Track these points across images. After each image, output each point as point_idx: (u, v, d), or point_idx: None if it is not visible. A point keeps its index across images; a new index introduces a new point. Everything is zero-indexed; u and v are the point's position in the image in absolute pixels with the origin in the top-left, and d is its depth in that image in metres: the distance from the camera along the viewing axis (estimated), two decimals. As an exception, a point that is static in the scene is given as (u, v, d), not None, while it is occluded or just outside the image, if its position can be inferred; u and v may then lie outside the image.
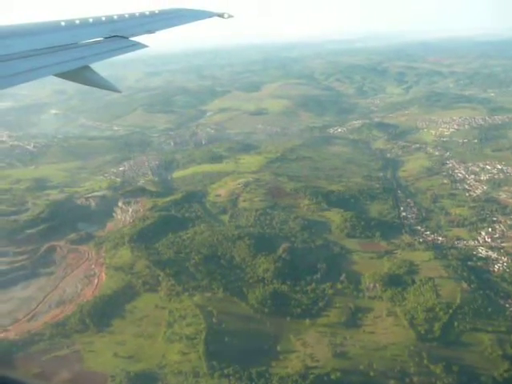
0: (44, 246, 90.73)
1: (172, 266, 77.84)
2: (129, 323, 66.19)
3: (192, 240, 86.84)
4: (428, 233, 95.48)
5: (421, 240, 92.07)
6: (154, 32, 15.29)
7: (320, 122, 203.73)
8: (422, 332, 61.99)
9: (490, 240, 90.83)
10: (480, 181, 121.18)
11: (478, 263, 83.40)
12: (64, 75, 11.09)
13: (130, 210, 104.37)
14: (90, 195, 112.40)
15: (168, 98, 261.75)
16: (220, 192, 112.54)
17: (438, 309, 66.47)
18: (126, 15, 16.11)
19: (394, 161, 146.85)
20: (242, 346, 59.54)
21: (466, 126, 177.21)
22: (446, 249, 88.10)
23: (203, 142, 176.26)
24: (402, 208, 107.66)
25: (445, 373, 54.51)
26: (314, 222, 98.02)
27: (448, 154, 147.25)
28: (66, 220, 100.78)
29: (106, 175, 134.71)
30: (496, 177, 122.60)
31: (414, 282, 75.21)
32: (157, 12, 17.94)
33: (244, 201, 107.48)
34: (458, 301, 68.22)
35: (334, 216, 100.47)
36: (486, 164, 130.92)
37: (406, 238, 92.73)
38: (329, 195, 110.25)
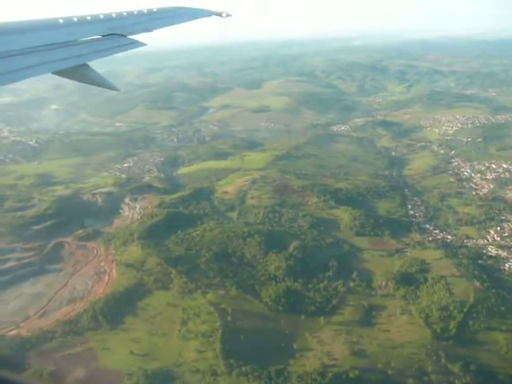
0: (52, 243, 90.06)
1: (183, 263, 77.38)
2: (142, 321, 65.75)
3: (202, 237, 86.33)
4: (437, 231, 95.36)
5: (430, 238, 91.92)
6: (152, 30, 15.31)
7: (323, 120, 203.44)
8: (438, 331, 61.88)
9: (499, 239, 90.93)
10: (486, 179, 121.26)
11: (489, 262, 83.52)
12: (62, 73, 11.01)
13: (138, 206, 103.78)
14: (96, 191, 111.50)
15: (169, 95, 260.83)
16: (227, 189, 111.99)
17: (452, 307, 66.36)
18: (125, 13, 16.12)
19: (400, 159, 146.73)
20: (259, 344, 59.21)
21: (470, 125, 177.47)
22: (455, 247, 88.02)
23: (207, 139, 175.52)
24: (409, 206, 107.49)
25: (463, 372, 54.41)
26: (323, 220, 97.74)
27: (453, 152, 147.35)
28: (73, 216, 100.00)
29: (110, 171, 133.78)
30: (502, 176, 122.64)
31: (426, 280, 75.09)
32: (155, 10, 17.95)
33: (252, 198, 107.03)
34: (472, 299, 68.13)
35: (343, 214, 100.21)
36: (492, 163, 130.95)
37: (416, 236, 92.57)
38: (336, 193, 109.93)
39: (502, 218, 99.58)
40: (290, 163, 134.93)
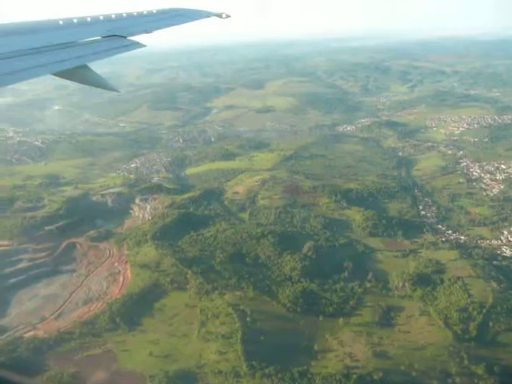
0: (64, 243, 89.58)
1: (198, 263, 76.91)
2: (160, 322, 65.31)
3: (215, 238, 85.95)
4: (450, 232, 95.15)
5: (443, 239, 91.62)
6: (151, 32, 15.36)
7: (328, 120, 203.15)
8: (459, 332, 61.50)
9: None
10: (496, 180, 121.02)
11: (504, 262, 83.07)
12: (62, 74, 10.99)
13: (148, 207, 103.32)
14: (105, 192, 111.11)
15: (172, 95, 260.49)
16: (237, 189, 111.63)
17: (471, 308, 66.02)
18: (124, 14, 16.16)
19: (407, 159, 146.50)
20: (279, 346, 58.80)
21: (476, 125, 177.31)
22: (470, 248, 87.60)
23: (212, 140, 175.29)
24: (420, 207, 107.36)
25: (487, 373, 54.02)
26: (335, 221, 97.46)
27: (461, 153, 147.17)
28: (84, 217, 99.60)
29: (118, 172, 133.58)
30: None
31: (442, 281, 74.72)
32: (155, 12, 18.04)
33: (262, 198, 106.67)
34: (491, 300, 67.77)
35: (355, 214, 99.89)
36: (501, 163, 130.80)
37: (429, 236, 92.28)
38: (347, 193, 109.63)
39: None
40: (299, 163, 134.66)
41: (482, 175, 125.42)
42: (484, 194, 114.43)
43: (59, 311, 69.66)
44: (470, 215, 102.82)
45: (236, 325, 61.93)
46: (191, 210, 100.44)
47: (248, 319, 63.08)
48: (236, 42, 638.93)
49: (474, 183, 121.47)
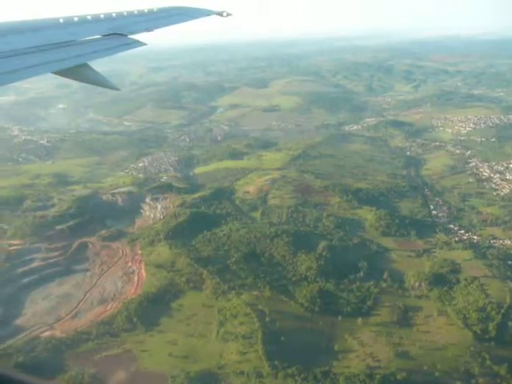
0: (76, 243, 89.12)
1: (213, 263, 76.64)
2: (177, 322, 64.99)
3: (228, 237, 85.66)
4: (462, 231, 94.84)
5: (456, 239, 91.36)
6: (152, 30, 15.23)
7: (334, 120, 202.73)
8: (478, 332, 61.24)
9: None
10: (506, 180, 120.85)
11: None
12: (62, 73, 10.95)
13: (159, 206, 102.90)
14: (115, 191, 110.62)
15: (176, 94, 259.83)
16: (248, 189, 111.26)
17: (489, 308, 65.84)
18: (125, 13, 16.09)
19: (416, 159, 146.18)
20: (300, 346, 58.56)
21: (482, 125, 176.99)
22: (483, 248, 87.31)
23: (219, 139, 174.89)
24: (431, 206, 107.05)
25: (510, 374, 53.77)
26: (348, 220, 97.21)
27: (469, 152, 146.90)
28: (95, 216, 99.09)
29: (126, 171, 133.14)
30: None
31: (458, 281, 74.59)
32: (155, 10, 17.93)
33: (273, 198, 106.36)
34: (509, 300, 67.68)
35: (367, 214, 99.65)
36: (510, 163, 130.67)
37: (441, 236, 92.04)
38: (357, 193, 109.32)
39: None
40: (308, 163, 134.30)
41: (492, 175, 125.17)
42: (494, 193, 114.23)
43: (75, 310, 69.28)
44: (481, 215, 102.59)
45: (255, 325, 61.61)
46: (203, 209, 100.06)
47: (267, 319, 62.78)
48: (238, 41, 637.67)
49: (485, 183, 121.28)
